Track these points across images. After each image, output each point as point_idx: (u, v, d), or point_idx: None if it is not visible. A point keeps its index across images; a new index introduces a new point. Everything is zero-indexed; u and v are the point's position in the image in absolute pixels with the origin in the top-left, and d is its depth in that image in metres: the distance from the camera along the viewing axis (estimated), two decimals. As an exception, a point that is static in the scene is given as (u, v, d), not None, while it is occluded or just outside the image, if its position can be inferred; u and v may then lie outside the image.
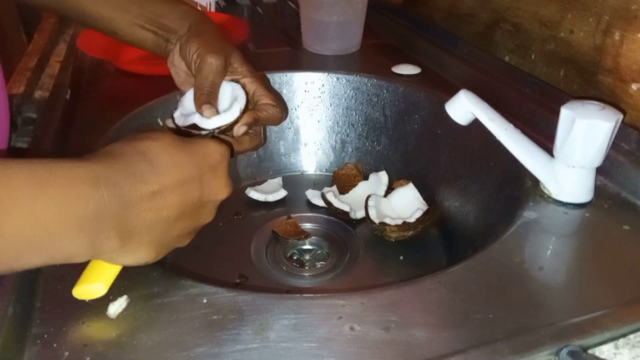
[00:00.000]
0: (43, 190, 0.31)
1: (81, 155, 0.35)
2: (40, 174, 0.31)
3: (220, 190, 0.40)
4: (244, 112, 0.52)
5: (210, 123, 0.52)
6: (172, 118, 0.54)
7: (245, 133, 0.54)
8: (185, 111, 0.54)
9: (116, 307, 0.37)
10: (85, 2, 0.56)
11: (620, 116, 0.46)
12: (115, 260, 0.36)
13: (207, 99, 0.52)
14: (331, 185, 0.75)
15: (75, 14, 0.58)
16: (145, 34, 0.57)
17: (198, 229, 0.41)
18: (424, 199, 0.68)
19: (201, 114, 0.52)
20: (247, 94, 0.54)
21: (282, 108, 0.57)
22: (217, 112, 0.53)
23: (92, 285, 0.36)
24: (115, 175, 0.34)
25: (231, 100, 0.54)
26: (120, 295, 0.38)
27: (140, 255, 0.36)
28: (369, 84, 0.76)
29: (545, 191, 0.50)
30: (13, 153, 0.57)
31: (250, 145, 0.56)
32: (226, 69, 0.54)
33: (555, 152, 0.49)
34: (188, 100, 0.54)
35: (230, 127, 0.52)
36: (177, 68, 0.58)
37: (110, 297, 0.37)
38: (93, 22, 0.58)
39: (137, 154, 0.36)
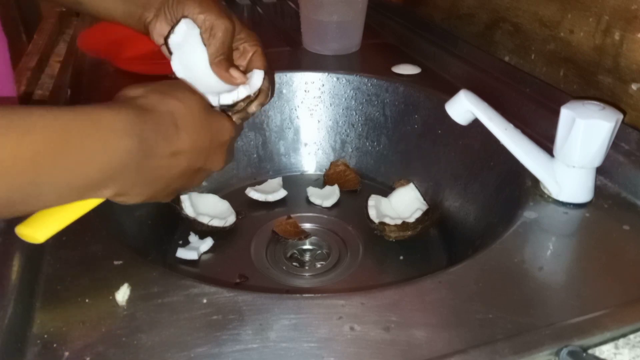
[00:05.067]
0: (79, 140, 0.33)
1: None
2: (86, 126, 0.34)
3: (218, 164, 0.45)
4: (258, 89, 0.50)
5: (230, 97, 0.48)
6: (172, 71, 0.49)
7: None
8: (185, 61, 0.50)
9: (122, 294, 0.38)
10: None
11: (620, 116, 0.46)
12: (119, 200, 0.39)
13: (230, 64, 0.50)
14: (322, 187, 0.75)
15: None
16: (115, 2, 0.52)
17: (183, 190, 0.46)
18: (424, 199, 0.68)
19: (229, 79, 0.50)
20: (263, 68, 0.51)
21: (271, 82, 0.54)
22: (244, 75, 0.50)
23: (33, 231, 0.37)
24: (146, 130, 0.37)
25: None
26: (121, 283, 0.38)
27: (128, 200, 0.39)
28: (369, 84, 0.76)
29: (545, 191, 0.50)
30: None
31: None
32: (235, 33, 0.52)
33: (555, 152, 0.49)
34: (182, 47, 0.49)
35: (245, 101, 0.49)
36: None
37: (113, 289, 0.38)
38: None
39: (166, 113, 0.39)
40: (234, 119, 0.49)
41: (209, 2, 0.50)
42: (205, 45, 0.50)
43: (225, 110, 0.49)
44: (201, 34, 0.50)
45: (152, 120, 0.38)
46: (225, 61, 0.50)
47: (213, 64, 0.50)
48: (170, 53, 0.50)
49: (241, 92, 0.49)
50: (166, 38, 0.50)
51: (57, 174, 0.33)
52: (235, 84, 0.50)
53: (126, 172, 0.36)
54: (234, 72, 0.50)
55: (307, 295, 0.39)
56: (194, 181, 0.44)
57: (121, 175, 0.36)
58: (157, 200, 0.42)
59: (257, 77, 0.50)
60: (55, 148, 0.32)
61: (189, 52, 0.50)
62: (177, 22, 0.50)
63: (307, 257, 0.65)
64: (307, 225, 0.69)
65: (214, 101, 0.48)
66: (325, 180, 0.77)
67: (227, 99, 0.48)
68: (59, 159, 0.32)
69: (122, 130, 0.35)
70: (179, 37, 0.50)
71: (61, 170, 0.33)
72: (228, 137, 0.45)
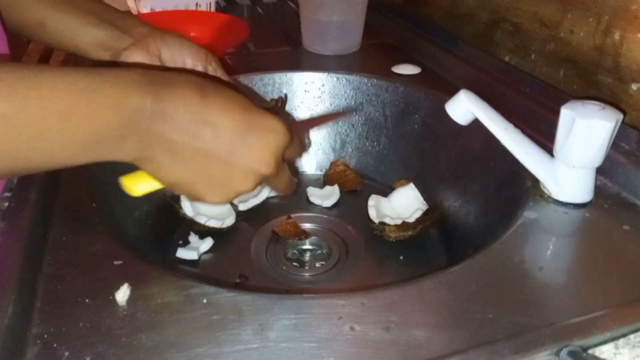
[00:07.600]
0: (98, 98, 0.33)
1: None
2: (97, 83, 0.33)
3: (259, 160, 0.38)
4: None
5: None
6: None
7: None
8: None
9: (122, 294, 0.38)
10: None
11: (620, 116, 0.46)
12: (149, 170, 0.38)
13: None
14: (322, 187, 0.75)
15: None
16: (85, 27, 0.50)
17: (230, 192, 0.39)
18: (424, 199, 0.68)
19: None
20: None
21: None
22: None
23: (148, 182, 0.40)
24: (162, 92, 0.35)
25: None
26: (121, 283, 0.38)
27: (153, 169, 0.37)
28: (369, 84, 0.76)
29: (545, 191, 0.50)
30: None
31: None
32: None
33: (555, 152, 0.49)
34: None
35: None
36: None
37: (113, 289, 0.38)
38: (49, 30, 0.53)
39: (189, 81, 0.37)
40: None
41: (189, 40, 0.52)
42: None
43: None
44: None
45: (170, 82, 0.36)
46: None
47: None
48: None
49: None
50: None
51: (65, 129, 0.32)
52: None
53: (138, 133, 0.35)
54: None
55: (307, 295, 0.39)
56: (234, 177, 0.38)
57: (134, 136, 0.35)
58: (203, 196, 0.39)
59: None
60: (62, 103, 0.32)
61: None
62: None
63: (307, 257, 0.65)
64: (307, 225, 0.69)
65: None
66: (325, 180, 0.77)
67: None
68: (68, 114, 0.32)
69: (132, 87, 0.34)
70: None
71: (70, 125, 0.32)
72: (281, 134, 0.39)
